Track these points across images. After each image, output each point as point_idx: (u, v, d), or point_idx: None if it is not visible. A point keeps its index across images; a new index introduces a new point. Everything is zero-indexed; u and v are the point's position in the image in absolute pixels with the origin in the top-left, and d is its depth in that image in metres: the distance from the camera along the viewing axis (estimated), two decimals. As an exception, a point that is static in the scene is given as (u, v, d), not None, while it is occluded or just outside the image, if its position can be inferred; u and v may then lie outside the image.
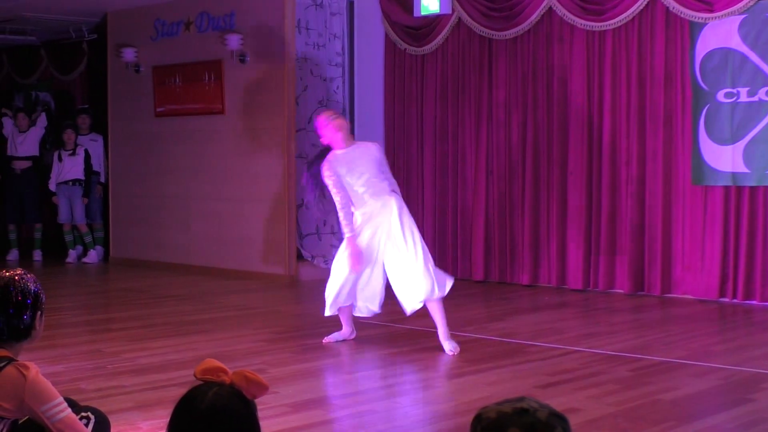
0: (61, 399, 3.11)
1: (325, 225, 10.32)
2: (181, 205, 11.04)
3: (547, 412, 1.79)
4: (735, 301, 8.35)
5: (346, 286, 6.47)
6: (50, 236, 12.69)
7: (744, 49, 8.24)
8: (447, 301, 6.45)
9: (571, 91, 9.21)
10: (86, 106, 12.84)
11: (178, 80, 10.95)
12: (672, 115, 8.66)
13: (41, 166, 12.24)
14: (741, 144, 8.25)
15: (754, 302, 8.26)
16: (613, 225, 9.01)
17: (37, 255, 12.12)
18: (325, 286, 6.65)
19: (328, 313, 6.65)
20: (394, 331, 7.18)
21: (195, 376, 2.19)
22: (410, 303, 6.33)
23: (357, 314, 6.71)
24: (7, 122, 12.26)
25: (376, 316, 6.73)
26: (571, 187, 9.24)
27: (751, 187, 8.28)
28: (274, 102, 9.99)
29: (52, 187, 11.76)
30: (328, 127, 6.44)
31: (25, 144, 12.12)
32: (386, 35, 10.58)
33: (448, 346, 6.27)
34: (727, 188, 8.38)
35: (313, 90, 10.34)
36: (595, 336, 6.98)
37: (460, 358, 6.18)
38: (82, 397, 4.45)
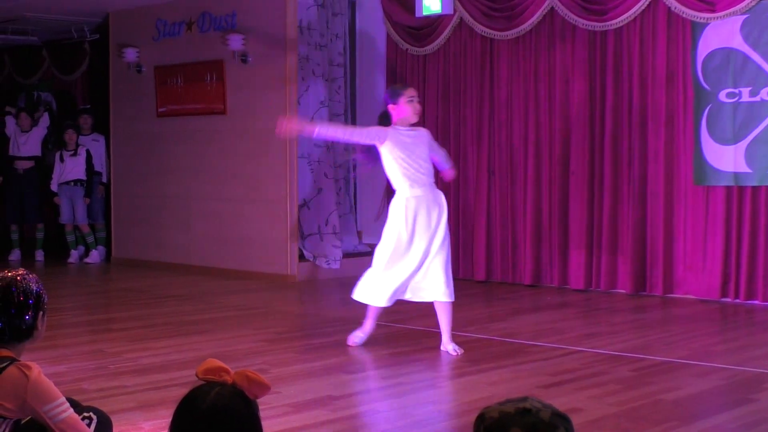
0: (63, 399, 3.11)
1: (326, 225, 10.32)
2: (182, 206, 11.04)
3: (549, 412, 1.79)
4: (737, 301, 8.35)
5: (402, 275, 6.33)
6: (52, 236, 12.70)
7: (746, 49, 8.23)
8: (449, 301, 6.45)
9: (573, 91, 9.21)
10: (88, 106, 12.86)
11: (179, 80, 10.95)
12: (674, 115, 8.66)
13: (43, 166, 12.24)
14: (743, 144, 8.25)
15: (756, 302, 8.26)
16: (615, 225, 9.00)
17: (39, 255, 12.13)
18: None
19: (386, 304, 6.43)
20: (396, 331, 7.17)
21: (197, 376, 2.19)
22: (432, 295, 6.33)
23: (414, 299, 6.51)
24: (10, 121, 12.25)
25: (378, 316, 6.71)
26: (572, 187, 9.24)
27: (753, 187, 8.27)
28: (276, 102, 9.99)
29: (53, 187, 11.76)
30: (409, 106, 6.32)
31: (28, 144, 12.13)
32: (388, 35, 10.58)
33: (452, 347, 6.28)
34: (729, 188, 8.37)
35: (314, 90, 10.34)
36: (597, 336, 6.97)
37: (461, 358, 6.17)
38: (84, 397, 4.45)
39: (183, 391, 2.14)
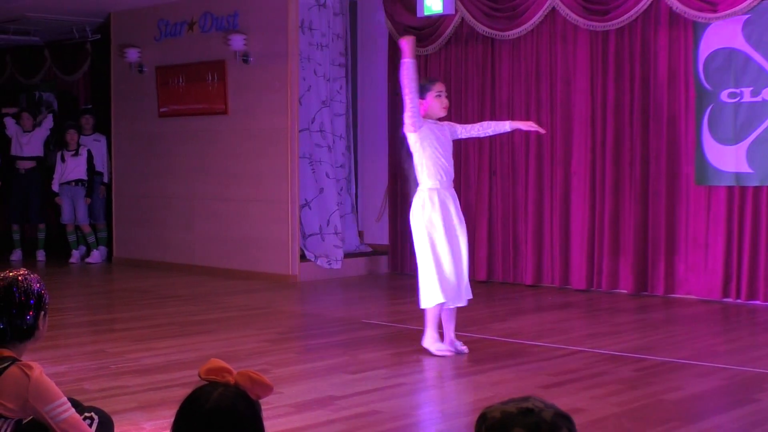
0: (64, 399, 3.11)
1: (328, 225, 10.33)
2: (184, 206, 11.04)
3: (552, 412, 1.79)
4: (738, 301, 8.34)
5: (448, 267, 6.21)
6: (53, 236, 12.71)
7: (747, 49, 8.23)
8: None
9: (575, 92, 9.21)
10: (89, 106, 12.87)
11: (181, 80, 10.95)
12: (675, 115, 8.65)
13: (45, 166, 12.25)
14: (744, 144, 8.25)
15: (757, 302, 8.26)
16: (617, 225, 9.00)
17: (41, 255, 12.13)
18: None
19: (451, 297, 6.23)
20: (397, 331, 7.18)
21: (200, 376, 2.18)
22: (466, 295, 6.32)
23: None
24: (9, 122, 12.26)
25: (378, 316, 6.71)
26: (574, 187, 9.24)
27: (755, 187, 8.27)
28: (277, 102, 9.99)
29: (55, 187, 11.77)
30: (437, 100, 6.27)
31: (30, 144, 12.14)
32: (389, 35, 10.58)
33: (458, 345, 6.28)
34: (730, 188, 8.37)
35: (316, 90, 10.34)
36: (599, 336, 6.97)
37: (463, 358, 6.17)
38: (85, 397, 4.45)
39: (185, 392, 2.14)
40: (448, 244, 6.16)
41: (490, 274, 9.87)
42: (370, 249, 11.03)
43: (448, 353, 6.18)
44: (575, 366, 5.91)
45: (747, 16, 8.20)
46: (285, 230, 9.99)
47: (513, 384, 5.45)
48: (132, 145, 11.69)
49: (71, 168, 11.67)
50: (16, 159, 12.14)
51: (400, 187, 10.52)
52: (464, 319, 7.30)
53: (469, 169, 9.93)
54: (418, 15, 10.04)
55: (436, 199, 6.18)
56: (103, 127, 12.23)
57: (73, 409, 3.14)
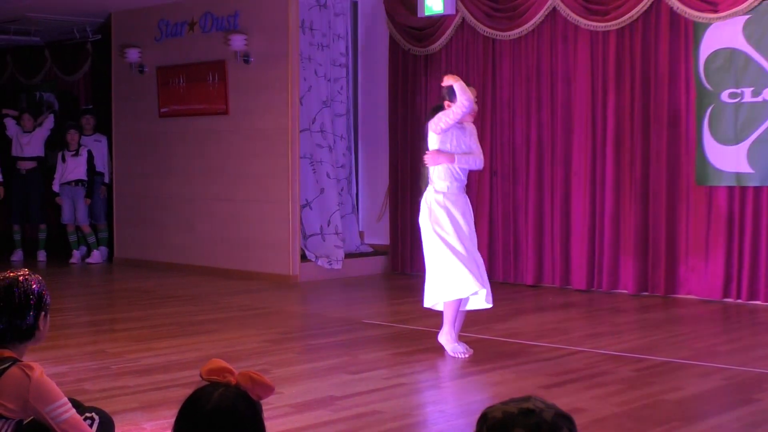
0: (65, 399, 3.11)
1: (329, 225, 10.33)
2: (184, 206, 11.04)
3: (552, 412, 1.79)
4: (739, 301, 8.34)
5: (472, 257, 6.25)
6: (54, 237, 12.71)
7: (748, 49, 8.23)
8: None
9: (575, 92, 9.21)
10: (90, 106, 12.87)
11: (181, 81, 10.96)
12: (676, 115, 8.65)
13: (46, 167, 12.25)
14: (745, 144, 8.24)
15: (758, 302, 8.26)
16: (617, 225, 9.00)
17: (42, 255, 12.13)
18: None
19: (476, 289, 6.20)
20: (398, 331, 7.18)
21: (201, 376, 2.19)
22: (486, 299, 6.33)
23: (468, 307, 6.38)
24: (10, 123, 12.26)
25: (379, 316, 6.71)
26: (575, 188, 9.24)
27: (756, 187, 8.27)
28: (278, 102, 9.99)
29: (55, 187, 11.77)
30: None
31: (31, 145, 12.13)
32: (390, 36, 10.58)
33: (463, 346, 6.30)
34: (731, 188, 8.37)
35: (316, 90, 10.35)
36: (600, 336, 6.97)
37: (463, 358, 6.17)
38: (86, 397, 4.45)
39: (186, 392, 2.14)
40: (459, 240, 6.18)
41: (491, 275, 9.78)
42: (370, 249, 11.03)
43: (461, 355, 6.17)
44: (576, 366, 5.92)
45: (747, 16, 8.20)
46: (286, 230, 9.99)
47: (514, 384, 5.45)
48: (132, 146, 11.69)
49: (71, 168, 11.67)
50: (17, 160, 12.13)
51: (401, 187, 10.53)
52: (466, 319, 7.29)
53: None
54: (419, 15, 10.05)
55: (442, 201, 6.23)
56: (103, 127, 12.23)
57: (74, 410, 3.15)
